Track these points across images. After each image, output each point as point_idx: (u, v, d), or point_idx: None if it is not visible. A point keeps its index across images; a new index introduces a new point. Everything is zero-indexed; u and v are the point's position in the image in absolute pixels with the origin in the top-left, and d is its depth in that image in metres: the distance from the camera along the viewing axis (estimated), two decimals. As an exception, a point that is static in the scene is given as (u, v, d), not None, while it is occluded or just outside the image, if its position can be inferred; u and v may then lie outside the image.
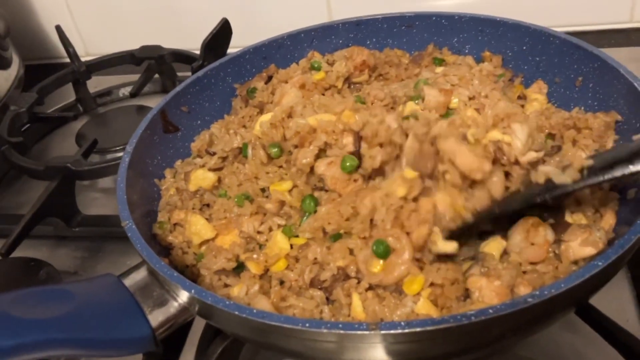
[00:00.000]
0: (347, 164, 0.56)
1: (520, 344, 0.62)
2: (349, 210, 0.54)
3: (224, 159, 0.66)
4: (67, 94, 1.19)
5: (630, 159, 0.49)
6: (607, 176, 0.49)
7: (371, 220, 0.53)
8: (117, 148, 0.99)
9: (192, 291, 0.49)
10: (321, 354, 0.50)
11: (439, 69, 0.74)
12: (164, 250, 0.63)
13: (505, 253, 0.53)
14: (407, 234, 0.51)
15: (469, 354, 0.52)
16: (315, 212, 0.57)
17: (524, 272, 0.51)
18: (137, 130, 0.69)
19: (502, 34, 0.78)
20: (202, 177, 0.65)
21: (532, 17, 0.78)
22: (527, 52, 0.76)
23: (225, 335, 0.61)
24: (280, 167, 0.63)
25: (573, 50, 0.71)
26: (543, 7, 1.11)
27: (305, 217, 0.57)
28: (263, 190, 0.62)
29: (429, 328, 0.42)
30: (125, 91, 1.18)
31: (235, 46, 1.09)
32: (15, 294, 0.50)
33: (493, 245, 0.53)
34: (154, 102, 1.12)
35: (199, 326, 0.68)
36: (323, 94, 0.73)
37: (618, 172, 0.49)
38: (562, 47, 0.72)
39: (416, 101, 0.67)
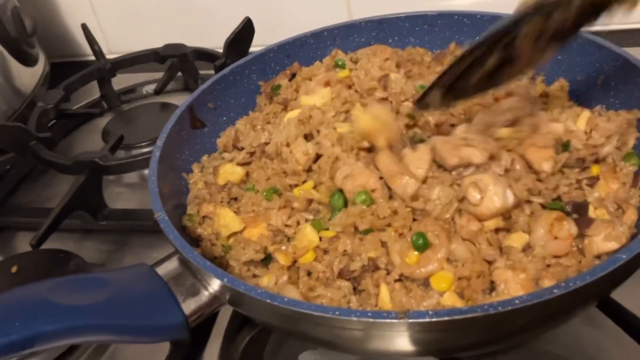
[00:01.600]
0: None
1: (543, 337, 0.63)
2: (387, 211, 0.55)
3: (251, 154, 0.68)
4: (92, 91, 1.22)
5: None
6: None
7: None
8: (142, 144, 1.01)
9: (225, 280, 0.50)
10: (349, 342, 0.51)
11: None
12: (194, 242, 0.65)
13: (528, 247, 0.54)
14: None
15: (493, 345, 0.53)
16: (345, 206, 0.58)
17: (548, 266, 0.52)
18: (167, 125, 0.71)
19: (524, 33, 0.79)
20: (231, 171, 0.66)
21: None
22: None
23: (252, 325, 0.63)
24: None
25: (595, 49, 0.71)
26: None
27: (336, 212, 0.58)
28: (291, 185, 0.63)
29: (456, 317, 0.43)
30: (149, 89, 1.21)
31: (256, 45, 1.11)
32: (53, 281, 0.52)
33: (515, 238, 0.54)
34: (177, 100, 1.15)
35: (224, 317, 0.69)
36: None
37: None
38: (584, 46, 0.73)
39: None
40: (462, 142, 0.57)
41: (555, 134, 0.60)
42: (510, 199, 0.54)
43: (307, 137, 0.67)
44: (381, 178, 0.57)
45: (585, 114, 0.63)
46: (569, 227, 0.53)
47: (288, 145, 0.65)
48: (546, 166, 0.58)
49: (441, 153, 0.57)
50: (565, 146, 0.60)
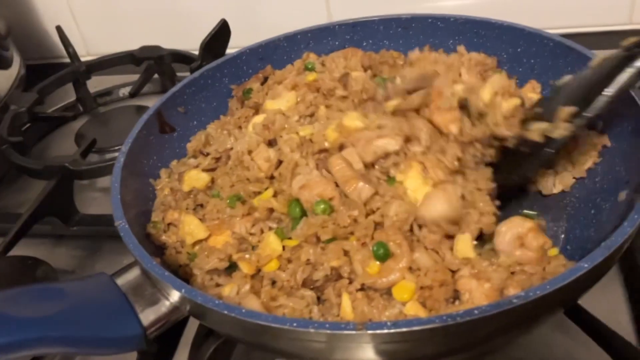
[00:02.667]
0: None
1: (512, 345, 0.62)
2: (347, 220, 0.54)
3: (217, 159, 0.67)
4: (68, 94, 1.20)
5: (602, 86, 0.53)
6: (592, 112, 0.54)
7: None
8: (116, 148, 0.99)
9: (183, 290, 0.49)
10: (310, 354, 0.50)
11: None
12: (158, 249, 0.64)
13: (493, 252, 0.53)
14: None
15: (457, 355, 0.52)
16: (304, 215, 0.57)
17: (512, 273, 0.52)
18: (133, 130, 0.70)
19: (498, 36, 0.78)
20: (196, 178, 0.65)
21: (530, 19, 0.78)
22: (522, 54, 0.77)
23: (218, 335, 0.62)
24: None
25: (567, 52, 0.71)
26: (541, 9, 1.11)
27: (296, 221, 0.57)
28: (255, 192, 0.62)
29: (415, 328, 0.43)
30: (125, 91, 1.19)
31: (233, 47, 1.10)
32: (8, 292, 0.51)
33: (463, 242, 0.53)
34: (154, 102, 1.13)
35: (193, 326, 0.68)
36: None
37: (600, 102, 0.53)
38: (555, 49, 0.72)
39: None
40: (374, 134, 0.56)
41: (457, 95, 0.59)
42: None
43: (272, 142, 0.66)
44: (337, 184, 0.56)
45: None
46: (543, 242, 0.53)
47: (250, 152, 0.64)
48: (453, 128, 0.57)
49: (358, 152, 0.57)
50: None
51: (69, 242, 0.90)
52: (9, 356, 0.48)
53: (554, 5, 1.12)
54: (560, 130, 0.55)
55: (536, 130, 0.56)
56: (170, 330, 0.55)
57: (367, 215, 0.54)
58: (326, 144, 0.60)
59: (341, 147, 0.58)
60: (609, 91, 0.54)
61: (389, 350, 0.48)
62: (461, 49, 0.79)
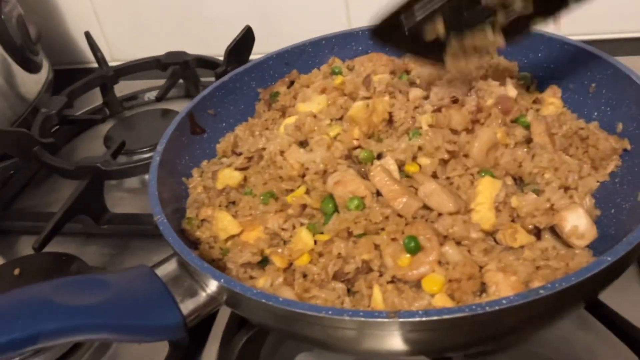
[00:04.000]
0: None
1: (533, 339, 0.64)
2: (379, 217, 0.56)
3: (249, 159, 0.70)
4: (95, 98, 1.24)
5: None
6: None
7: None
8: (144, 149, 1.03)
9: (222, 280, 0.52)
10: (342, 342, 0.53)
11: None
12: (192, 245, 0.66)
13: (520, 247, 0.55)
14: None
15: (483, 345, 0.54)
16: (336, 211, 0.60)
17: (538, 268, 0.54)
18: (167, 130, 0.73)
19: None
20: (229, 176, 0.68)
21: (550, 25, 0.80)
22: (542, 59, 0.79)
23: (249, 327, 0.64)
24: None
25: (587, 57, 0.73)
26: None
27: (328, 217, 0.60)
28: (287, 190, 0.65)
29: (445, 317, 0.45)
30: (150, 95, 1.22)
31: (256, 53, 1.13)
32: (56, 282, 0.53)
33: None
34: (178, 106, 1.17)
35: (223, 318, 0.71)
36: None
37: None
38: (576, 55, 0.74)
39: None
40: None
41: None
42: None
43: (303, 143, 0.69)
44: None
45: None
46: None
47: (282, 153, 0.66)
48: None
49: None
50: None
51: (99, 240, 0.92)
52: (57, 342, 0.50)
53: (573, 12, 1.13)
54: None
55: None
56: (200, 324, 0.58)
57: (399, 214, 0.57)
58: (355, 142, 0.62)
59: (379, 156, 0.61)
60: None
61: (417, 339, 0.50)
62: None
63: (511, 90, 0.65)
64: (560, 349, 0.65)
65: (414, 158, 0.60)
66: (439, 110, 0.61)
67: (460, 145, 0.60)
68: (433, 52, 0.67)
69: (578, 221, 0.55)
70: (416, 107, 0.64)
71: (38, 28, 1.18)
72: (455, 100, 0.62)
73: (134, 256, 0.89)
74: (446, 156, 0.59)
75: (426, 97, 0.65)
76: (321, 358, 0.66)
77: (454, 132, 0.62)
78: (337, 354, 0.64)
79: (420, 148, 0.60)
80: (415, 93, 0.65)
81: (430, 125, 0.61)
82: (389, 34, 0.65)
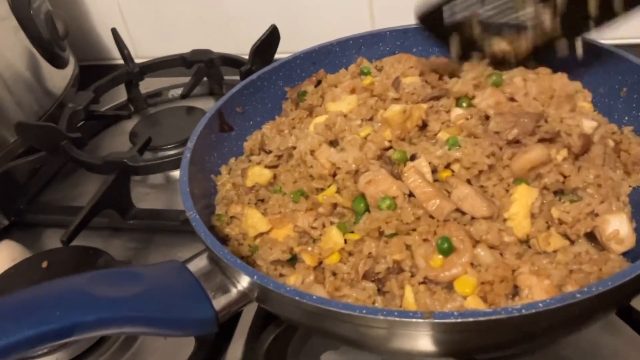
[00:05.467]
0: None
1: (561, 342, 0.64)
2: (411, 217, 0.56)
3: (279, 157, 0.70)
4: (119, 94, 1.25)
5: None
6: None
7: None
8: (169, 146, 1.04)
9: (255, 277, 0.52)
10: (373, 341, 0.53)
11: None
12: (221, 241, 0.67)
13: (554, 251, 0.55)
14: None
15: (513, 348, 0.54)
16: (368, 211, 0.60)
17: (571, 272, 0.53)
18: (197, 127, 0.73)
19: (549, 45, 0.80)
20: (259, 174, 0.68)
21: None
22: (572, 62, 0.78)
23: (277, 324, 0.65)
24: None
25: (618, 61, 0.73)
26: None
27: (359, 216, 0.60)
28: (317, 189, 0.65)
29: (481, 319, 0.45)
30: (174, 93, 1.24)
31: (278, 52, 1.14)
32: (91, 274, 0.54)
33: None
34: (202, 104, 1.18)
35: (248, 315, 0.71)
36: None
37: None
38: (607, 59, 0.74)
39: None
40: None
41: None
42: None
43: (332, 142, 0.69)
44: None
45: None
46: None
47: (312, 152, 0.67)
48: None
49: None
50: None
51: (123, 235, 0.93)
52: (92, 334, 0.51)
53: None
54: None
55: None
56: (227, 320, 0.58)
57: (431, 215, 0.57)
58: (386, 143, 0.62)
59: (413, 157, 0.61)
60: None
61: (449, 340, 0.50)
62: None
63: (588, 125, 0.62)
64: (587, 352, 0.65)
65: (448, 165, 0.60)
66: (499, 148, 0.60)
67: (498, 157, 0.60)
68: (463, 48, 0.71)
69: (620, 226, 0.55)
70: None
71: (66, 24, 1.19)
72: (516, 141, 0.61)
73: (157, 252, 0.90)
74: (485, 168, 0.59)
75: (467, 119, 0.64)
76: (347, 356, 0.66)
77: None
78: (362, 353, 0.65)
79: (457, 160, 0.59)
80: (458, 112, 0.64)
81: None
82: (430, 19, 0.70)
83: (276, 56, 1.14)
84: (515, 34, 0.71)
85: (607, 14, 0.66)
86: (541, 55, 0.73)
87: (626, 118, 0.72)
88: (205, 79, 1.21)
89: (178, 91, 1.22)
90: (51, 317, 0.48)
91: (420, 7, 0.73)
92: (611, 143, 0.64)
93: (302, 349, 0.68)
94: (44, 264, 0.82)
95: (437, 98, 0.68)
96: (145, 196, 1.01)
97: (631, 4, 0.64)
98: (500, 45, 0.73)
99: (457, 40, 0.73)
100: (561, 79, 0.71)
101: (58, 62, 1.17)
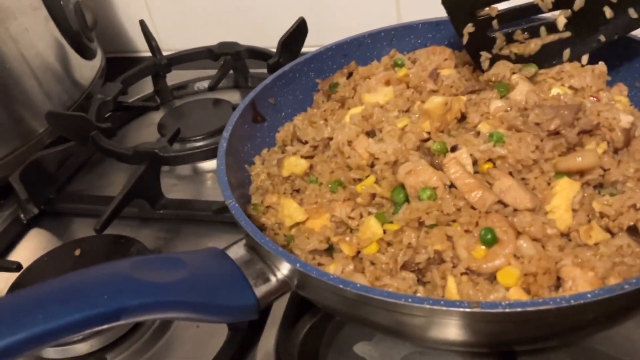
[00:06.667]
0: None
1: (595, 337, 0.64)
2: (452, 208, 0.56)
3: (315, 147, 0.70)
4: (145, 86, 1.26)
5: None
6: None
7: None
8: (197, 137, 1.04)
9: (297, 265, 0.52)
10: (412, 330, 0.53)
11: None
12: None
13: (595, 244, 0.55)
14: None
15: (555, 339, 0.54)
16: (407, 201, 0.60)
17: (613, 264, 0.53)
18: (232, 118, 0.74)
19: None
20: (295, 164, 0.69)
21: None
22: (608, 56, 0.78)
23: (313, 313, 0.65)
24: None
25: (655, 55, 0.72)
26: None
27: (399, 206, 0.60)
28: (355, 179, 0.65)
29: (529, 309, 0.45)
30: (201, 85, 1.24)
31: (305, 45, 1.14)
32: (133, 260, 0.54)
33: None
34: (228, 96, 1.19)
35: (280, 304, 0.71)
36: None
37: None
38: (644, 53, 0.74)
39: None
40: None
41: None
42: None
43: (369, 133, 0.69)
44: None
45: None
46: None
47: (349, 143, 0.67)
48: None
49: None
50: None
51: (153, 224, 0.94)
52: (138, 318, 0.51)
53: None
54: None
55: None
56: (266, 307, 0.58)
57: (472, 206, 0.57)
58: (425, 134, 0.62)
59: (453, 149, 0.61)
60: None
61: (490, 331, 0.50)
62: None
63: (625, 119, 0.61)
64: (621, 346, 0.64)
65: (490, 159, 0.60)
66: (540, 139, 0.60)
67: (541, 149, 0.59)
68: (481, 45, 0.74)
69: None
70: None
71: (94, 15, 1.20)
72: (556, 133, 0.60)
73: (187, 241, 0.91)
74: (530, 163, 0.59)
75: (507, 110, 0.64)
76: (379, 347, 0.67)
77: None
78: (395, 344, 0.65)
79: (502, 156, 0.59)
80: (497, 105, 0.64)
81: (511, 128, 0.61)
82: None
83: (302, 49, 1.14)
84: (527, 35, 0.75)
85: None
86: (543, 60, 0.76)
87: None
88: (231, 71, 1.22)
89: (204, 84, 1.23)
90: (98, 301, 0.48)
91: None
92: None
93: (335, 339, 0.68)
94: (77, 252, 0.83)
95: (477, 91, 0.68)
96: (173, 187, 1.01)
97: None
98: (516, 47, 0.75)
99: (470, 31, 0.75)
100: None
101: (86, 53, 1.18)
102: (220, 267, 0.56)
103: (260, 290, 0.55)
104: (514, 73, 0.72)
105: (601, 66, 0.71)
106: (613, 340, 0.65)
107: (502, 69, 0.73)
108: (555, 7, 0.73)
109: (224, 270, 0.55)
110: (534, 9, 0.74)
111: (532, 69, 0.74)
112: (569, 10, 0.72)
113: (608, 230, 0.57)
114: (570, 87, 0.69)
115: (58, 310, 0.48)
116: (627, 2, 0.68)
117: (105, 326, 0.51)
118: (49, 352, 0.72)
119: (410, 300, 0.47)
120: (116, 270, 0.52)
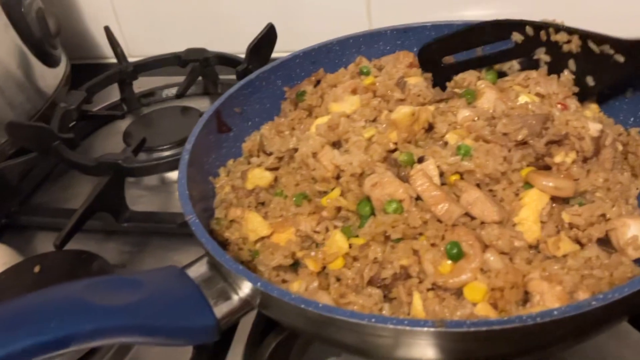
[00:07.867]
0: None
1: (568, 350, 0.63)
2: (418, 221, 0.55)
3: (280, 159, 0.68)
4: (112, 94, 1.23)
5: None
6: None
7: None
8: (164, 147, 1.02)
9: (258, 284, 0.50)
10: (379, 349, 0.51)
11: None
12: (220, 246, 0.65)
13: (563, 256, 0.54)
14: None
15: (523, 356, 0.53)
16: (373, 215, 0.58)
17: (582, 277, 0.52)
18: (195, 128, 0.71)
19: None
20: (260, 176, 0.67)
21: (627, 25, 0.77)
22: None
23: (278, 331, 0.63)
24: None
25: (624, 62, 0.71)
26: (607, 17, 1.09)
27: (364, 220, 0.58)
28: (320, 192, 0.63)
29: (495, 327, 0.43)
30: (168, 92, 1.22)
31: (275, 51, 1.12)
32: (87, 281, 0.52)
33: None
34: (197, 104, 1.16)
35: (246, 322, 0.69)
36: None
37: None
38: (612, 59, 0.73)
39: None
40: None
41: None
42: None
43: (335, 144, 0.67)
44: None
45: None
46: None
47: (315, 155, 0.65)
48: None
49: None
50: None
51: (118, 238, 0.91)
52: (90, 344, 0.49)
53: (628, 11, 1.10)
54: None
55: None
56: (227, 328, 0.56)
57: (439, 219, 0.55)
58: (391, 145, 0.61)
59: (420, 160, 0.59)
60: None
61: (458, 348, 0.48)
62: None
63: (594, 127, 0.60)
64: (594, 359, 0.64)
65: (457, 172, 0.58)
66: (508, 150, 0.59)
67: (509, 161, 0.58)
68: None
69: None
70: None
71: (57, 21, 1.17)
72: (524, 143, 0.59)
73: (153, 255, 0.88)
74: (498, 176, 0.57)
75: (474, 120, 0.63)
76: (349, 363, 0.65)
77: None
78: (366, 360, 0.64)
79: (470, 171, 0.58)
80: (464, 114, 0.63)
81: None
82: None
83: (272, 55, 1.12)
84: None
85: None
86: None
87: (632, 119, 0.71)
88: (200, 78, 1.19)
89: (172, 91, 1.20)
90: (45, 328, 0.46)
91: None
92: (619, 146, 0.63)
93: (303, 357, 0.66)
94: (36, 269, 0.80)
95: (444, 100, 0.67)
96: (140, 198, 0.98)
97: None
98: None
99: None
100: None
101: (50, 61, 1.15)
102: (178, 287, 0.54)
103: (220, 310, 0.53)
104: (479, 79, 0.71)
105: (567, 74, 0.70)
106: (585, 351, 0.64)
107: (468, 74, 0.72)
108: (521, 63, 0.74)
109: (182, 291, 0.53)
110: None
111: (494, 76, 0.73)
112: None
113: (577, 241, 0.56)
114: (537, 94, 0.68)
115: (4, 337, 0.45)
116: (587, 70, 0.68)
117: (55, 353, 0.48)
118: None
119: (373, 320, 0.45)
120: (68, 294, 0.49)
